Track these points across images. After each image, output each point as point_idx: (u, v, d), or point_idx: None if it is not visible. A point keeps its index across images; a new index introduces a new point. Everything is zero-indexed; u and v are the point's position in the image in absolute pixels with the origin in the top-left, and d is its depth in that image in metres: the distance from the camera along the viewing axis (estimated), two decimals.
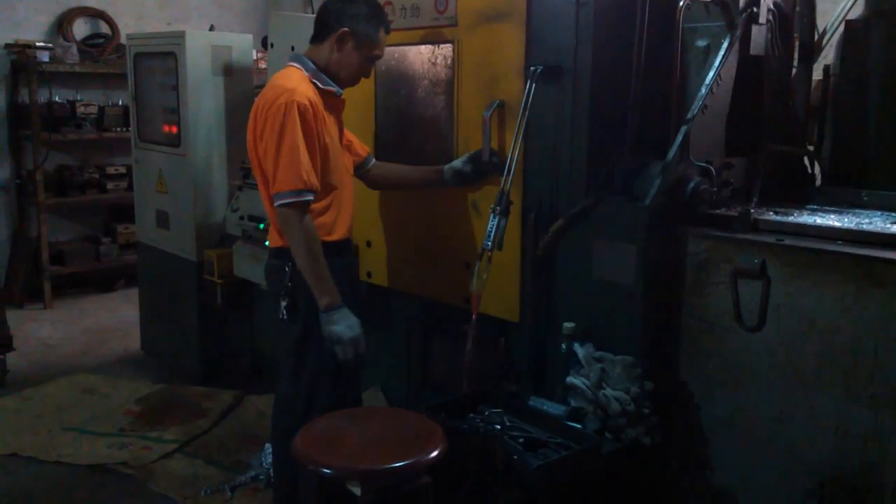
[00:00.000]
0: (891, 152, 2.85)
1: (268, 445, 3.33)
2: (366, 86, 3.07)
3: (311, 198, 2.46)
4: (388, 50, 2.98)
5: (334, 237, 2.63)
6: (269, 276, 2.71)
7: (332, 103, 2.64)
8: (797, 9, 2.87)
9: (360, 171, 2.92)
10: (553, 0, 2.47)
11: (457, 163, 2.77)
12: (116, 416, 3.93)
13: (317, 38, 2.62)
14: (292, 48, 3.66)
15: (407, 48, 2.94)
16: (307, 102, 2.45)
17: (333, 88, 2.60)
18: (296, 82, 2.51)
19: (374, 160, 2.96)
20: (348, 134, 2.86)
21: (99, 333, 5.35)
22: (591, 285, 2.46)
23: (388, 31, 2.65)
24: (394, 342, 3.24)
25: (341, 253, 2.67)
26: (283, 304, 2.58)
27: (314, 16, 2.74)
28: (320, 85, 2.57)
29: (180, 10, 7.03)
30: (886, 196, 2.62)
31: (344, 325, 2.47)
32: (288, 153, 2.42)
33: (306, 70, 2.57)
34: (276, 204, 2.46)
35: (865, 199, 2.63)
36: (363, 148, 2.95)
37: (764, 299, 2.17)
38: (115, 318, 5.68)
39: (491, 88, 2.67)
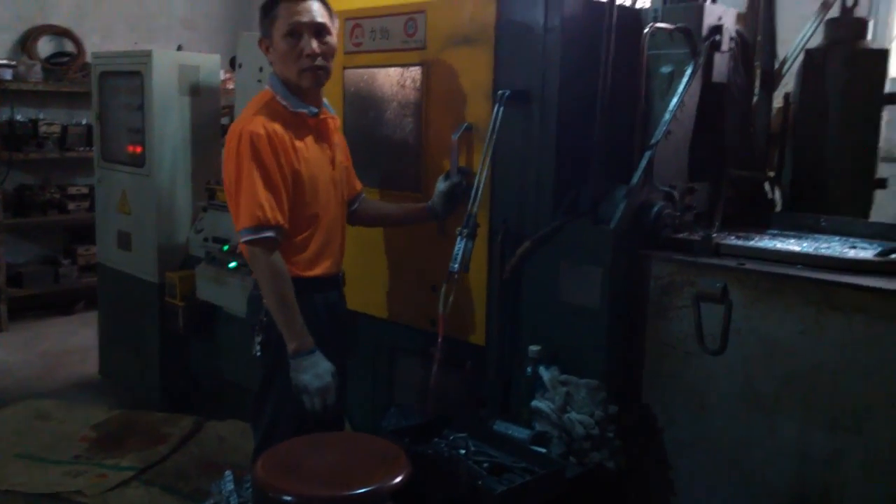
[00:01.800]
0: (848, 178, 2.91)
1: (228, 472, 3.24)
2: (334, 107, 3.06)
3: (272, 234, 2.31)
4: (357, 72, 3.00)
5: (316, 272, 2.47)
6: (249, 307, 2.59)
7: (309, 125, 2.47)
8: (758, 37, 2.94)
9: (348, 208, 2.73)
10: (521, 25, 2.49)
11: (439, 185, 2.67)
12: (72, 442, 3.83)
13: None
14: (260, 69, 3.66)
15: (376, 70, 2.94)
16: (261, 131, 2.30)
17: (304, 110, 2.43)
18: (256, 109, 2.38)
19: (363, 197, 2.82)
20: (349, 164, 2.74)
21: (56, 357, 5.23)
22: (557, 308, 2.46)
23: None
24: (359, 366, 3.21)
25: (324, 289, 2.51)
26: (258, 339, 2.45)
27: None
28: (290, 108, 2.42)
29: (148, 29, 7.00)
30: (844, 221, 2.67)
31: (312, 373, 2.32)
32: (246, 189, 2.29)
33: (276, 91, 2.43)
34: (241, 241, 2.34)
35: (824, 224, 2.67)
36: (358, 183, 2.80)
37: (726, 323, 2.18)
38: (73, 341, 5.56)
39: (459, 111, 2.68)
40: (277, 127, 2.36)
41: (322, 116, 2.51)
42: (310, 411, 2.35)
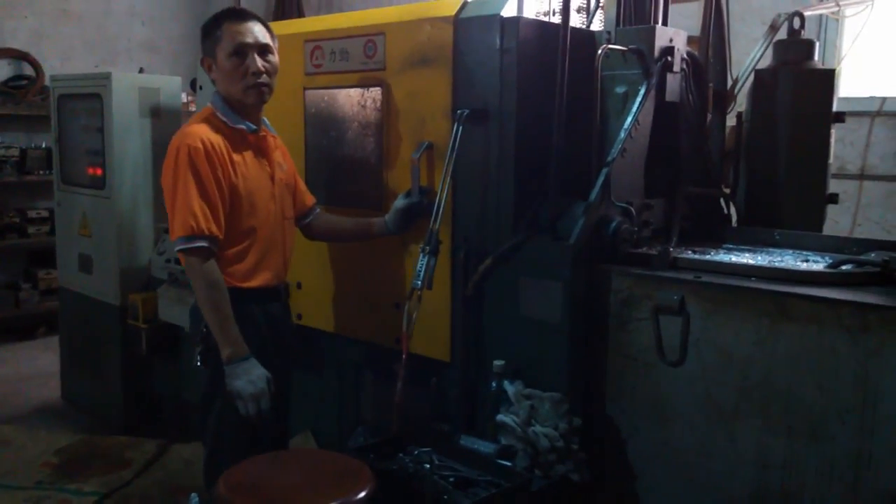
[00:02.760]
0: (800, 194, 3.00)
1: (194, 495, 3.20)
2: (295, 127, 3.08)
3: (205, 244, 2.36)
4: (317, 93, 3.02)
5: (254, 284, 2.52)
6: (190, 318, 2.64)
7: (249, 141, 2.54)
8: (710, 59, 3.03)
9: (302, 221, 2.82)
10: (478, 46, 2.54)
11: (397, 202, 2.71)
12: (33, 468, 3.75)
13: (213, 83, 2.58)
14: None
15: (336, 91, 2.97)
16: (199, 144, 2.37)
17: (243, 126, 2.50)
18: (195, 124, 2.45)
19: (318, 211, 2.87)
20: (298, 180, 2.80)
21: (16, 383, 5.14)
22: (519, 323, 2.49)
23: (241, 18, 2.50)
24: (325, 384, 3.21)
25: (263, 301, 2.55)
26: (198, 349, 2.49)
27: None
28: (230, 123, 2.49)
29: (108, 52, 6.96)
30: (797, 235, 2.75)
31: (245, 379, 2.36)
32: (181, 199, 2.35)
33: (217, 108, 2.50)
34: (175, 250, 2.42)
35: (777, 237, 2.75)
36: (309, 198, 2.85)
37: (684, 334, 2.24)
38: (35, 366, 5.47)
39: (419, 131, 2.72)
40: (217, 140, 2.43)
41: (262, 133, 2.59)
42: (244, 417, 2.39)
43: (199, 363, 2.51)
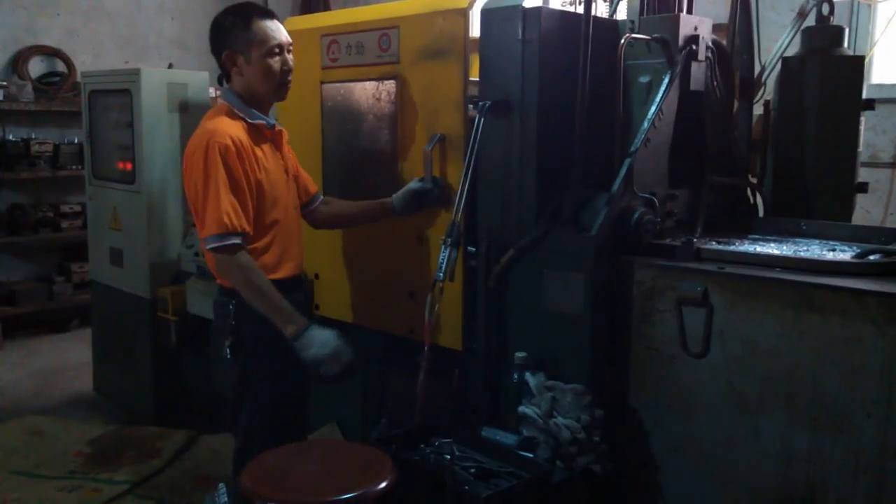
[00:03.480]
0: (828, 183, 2.95)
1: (221, 485, 3.26)
2: (313, 121, 3.11)
3: (238, 241, 2.40)
4: (334, 87, 3.06)
5: (279, 275, 2.55)
6: (215, 313, 2.65)
7: (266, 136, 2.59)
8: (737, 46, 2.99)
9: (306, 209, 2.86)
10: (500, 37, 2.53)
11: (411, 184, 2.75)
12: (66, 458, 3.83)
13: (225, 75, 2.57)
14: None
15: (352, 84, 3.01)
16: (228, 142, 2.40)
17: (262, 121, 2.54)
18: (217, 121, 2.46)
19: (321, 198, 2.92)
20: (300, 169, 2.84)
21: (50, 375, 5.24)
22: (542, 314, 2.49)
23: (268, 16, 2.53)
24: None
25: (289, 291, 2.56)
26: (227, 342, 2.51)
27: None
28: (248, 119, 2.52)
29: (138, 48, 7.04)
30: (824, 225, 2.71)
31: (317, 345, 2.37)
32: (212, 197, 2.38)
33: (234, 104, 2.52)
34: (206, 248, 2.43)
35: (804, 228, 2.71)
36: (312, 185, 2.90)
37: (708, 326, 2.22)
38: (68, 358, 5.57)
39: (432, 123, 2.74)
40: (242, 137, 2.46)
41: (277, 128, 2.64)
42: (333, 380, 2.40)
43: (228, 356, 2.53)
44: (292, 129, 2.98)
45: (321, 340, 2.39)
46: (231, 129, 2.44)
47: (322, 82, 3.11)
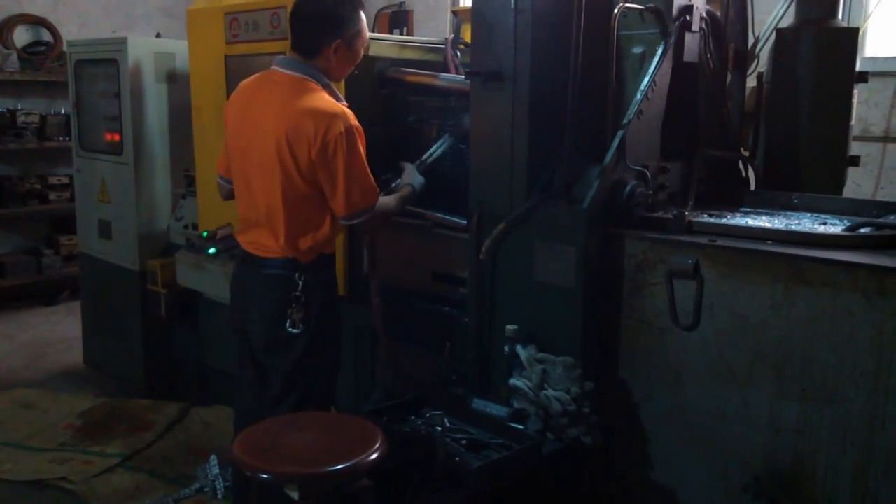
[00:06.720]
0: (820, 156, 2.95)
1: (213, 457, 3.28)
2: (218, 91, 3.40)
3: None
4: (235, 60, 3.40)
5: (332, 249, 2.66)
6: (270, 286, 2.57)
7: None
8: (730, 17, 2.96)
9: None
10: (492, 7, 2.50)
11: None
12: (57, 430, 3.84)
13: (308, 52, 2.53)
14: None
15: (251, 58, 3.27)
16: (358, 123, 2.51)
17: (345, 103, 2.58)
18: (331, 100, 2.50)
19: None
20: None
21: (40, 347, 5.22)
22: (533, 287, 2.48)
23: (362, 6, 2.62)
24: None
25: (331, 266, 2.67)
26: (297, 315, 2.51)
27: None
28: (340, 100, 2.58)
29: (125, 17, 6.93)
30: (816, 198, 2.71)
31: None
32: (358, 173, 2.50)
33: (324, 87, 2.53)
34: (355, 221, 2.55)
35: (796, 201, 2.71)
36: None
37: (698, 299, 2.22)
38: (58, 331, 5.55)
39: None
40: None
41: None
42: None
43: (295, 329, 2.51)
44: (204, 98, 3.48)
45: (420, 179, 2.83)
46: (348, 110, 2.52)
47: (226, 56, 3.45)
